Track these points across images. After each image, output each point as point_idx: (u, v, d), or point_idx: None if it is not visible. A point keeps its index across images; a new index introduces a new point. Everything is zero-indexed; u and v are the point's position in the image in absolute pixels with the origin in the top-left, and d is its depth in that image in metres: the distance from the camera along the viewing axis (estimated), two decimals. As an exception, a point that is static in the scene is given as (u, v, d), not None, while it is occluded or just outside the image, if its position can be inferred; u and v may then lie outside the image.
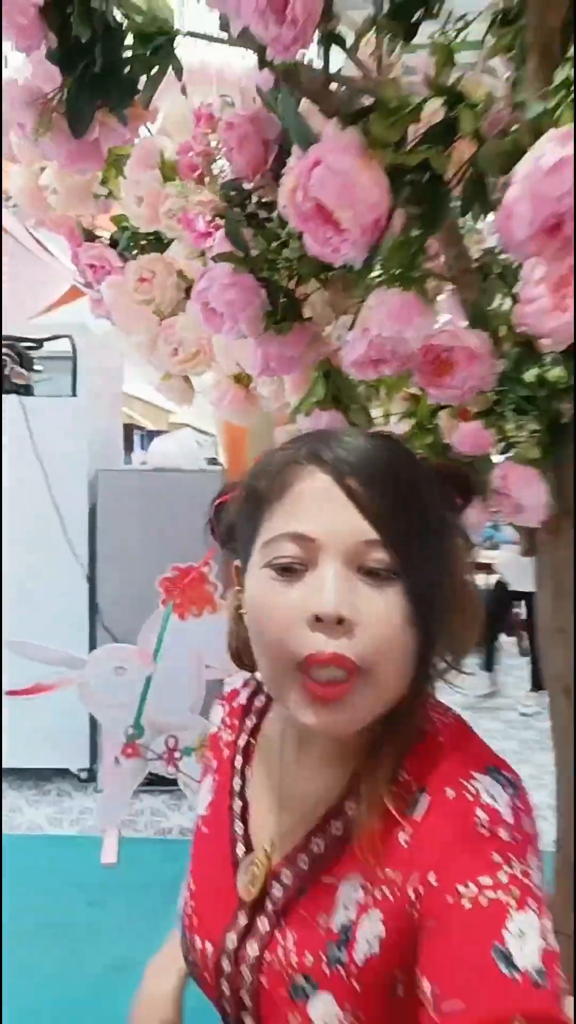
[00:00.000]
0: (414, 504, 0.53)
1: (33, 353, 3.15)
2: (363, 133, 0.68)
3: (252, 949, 0.56)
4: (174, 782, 2.63)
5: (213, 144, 1.17)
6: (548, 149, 0.59)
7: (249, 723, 0.68)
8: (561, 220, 0.61)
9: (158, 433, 6.70)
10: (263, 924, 0.57)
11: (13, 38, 0.79)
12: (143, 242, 1.39)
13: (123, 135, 0.97)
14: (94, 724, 3.19)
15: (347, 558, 0.50)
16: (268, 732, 0.66)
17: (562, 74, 0.63)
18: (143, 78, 0.93)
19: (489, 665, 4.78)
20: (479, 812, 0.49)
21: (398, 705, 0.53)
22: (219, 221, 1.06)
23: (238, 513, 0.59)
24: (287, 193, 0.71)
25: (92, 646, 3.07)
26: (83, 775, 3.25)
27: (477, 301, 0.88)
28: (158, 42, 0.91)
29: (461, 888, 0.46)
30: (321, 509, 0.51)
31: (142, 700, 2.69)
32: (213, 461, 4.26)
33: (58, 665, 2.69)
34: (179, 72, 0.95)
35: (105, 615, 3.14)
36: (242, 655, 0.62)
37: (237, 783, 0.65)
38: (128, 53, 0.91)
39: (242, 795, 0.64)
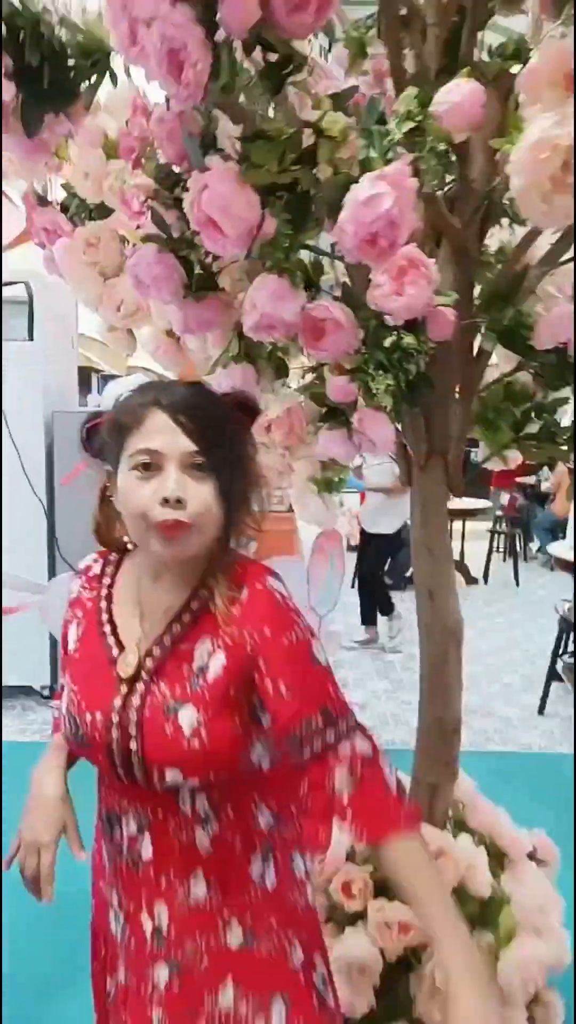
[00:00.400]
0: (217, 427, 0.84)
1: (-10, 297, 3.27)
2: (246, 157, 0.93)
3: (135, 700, 0.85)
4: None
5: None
6: (365, 186, 0.84)
7: (106, 580, 0.96)
8: (375, 236, 0.86)
9: (115, 376, 6.80)
10: (141, 686, 0.85)
11: (-23, 61, 0.99)
12: (90, 209, 1.58)
13: (67, 129, 1.18)
14: (54, 644, 3.47)
15: (180, 463, 0.81)
16: (124, 579, 0.95)
17: (370, 121, 0.88)
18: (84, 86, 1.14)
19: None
20: (277, 595, 0.88)
21: (217, 544, 0.87)
22: (151, 203, 1.28)
23: (108, 436, 0.88)
24: (188, 206, 0.94)
25: (52, 574, 3.32)
26: (45, 692, 3.54)
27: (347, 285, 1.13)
28: (95, 57, 1.13)
29: (282, 635, 0.84)
30: (163, 434, 0.82)
31: (97, 622, 2.97)
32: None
33: (22, 591, 2.94)
34: (115, 80, 1.17)
35: (63, 546, 3.38)
36: (101, 530, 0.95)
37: (104, 616, 0.92)
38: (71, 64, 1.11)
39: (110, 621, 0.91)
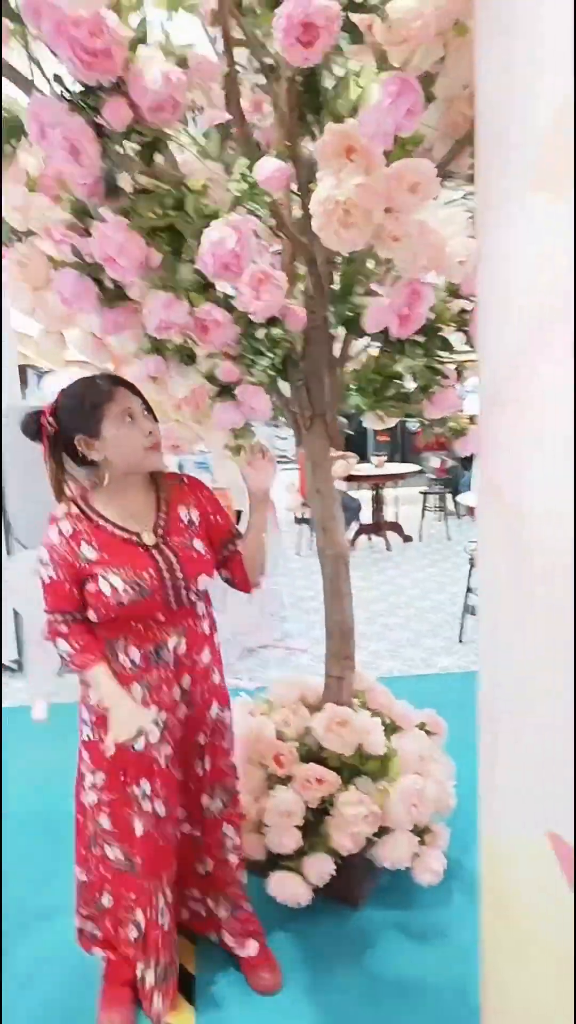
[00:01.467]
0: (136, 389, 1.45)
1: None
2: (134, 209, 1.29)
3: (168, 552, 1.45)
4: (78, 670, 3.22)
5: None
6: (215, 230, 1.22)
7: (88, 513, 1.44)
8: (227, 264, 1.24)
9: (52, 371, 7.00)
10: (163, 546, 1.45)
11: None
12: (19, 234, 1.90)
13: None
14: (18, 621, 3.79)
15: (142, 412, 1.43)
16: (100, 506, 1.45)
17: (235, 173, 1.24)
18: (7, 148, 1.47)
19: None
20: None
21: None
22: (69, 233, 1.62)
23: (85, 411, 1.40)
24: (94, 246, 1.30)
25: (7, 553, 3.62)
26: (14, 666, 3.86)
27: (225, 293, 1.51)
28: (14, 127, 1.46)
29: (211, 495, 1.60)
30: (128, 397, 1.41)
31: (57, 594, 3.30)
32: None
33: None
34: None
35: (16, 529, 3.69)
36: (57, 487, 1.48)
37: (109, 526, 1.43)
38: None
39: (114, 526, 1.44)
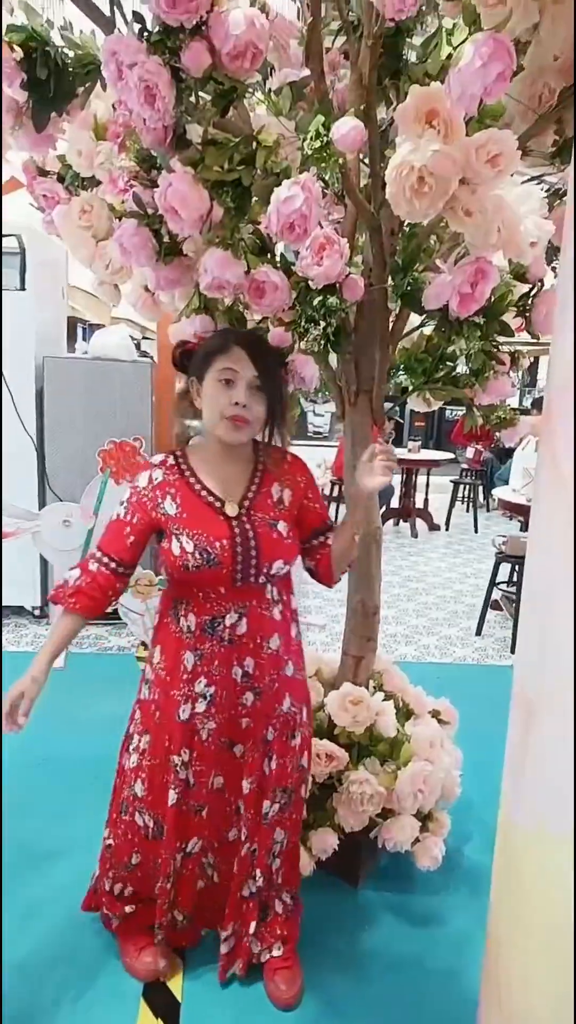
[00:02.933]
0: (272, 362, 1.40)
1: (-16, 248, 3.52)
2: (201, 160, 1.26)
3: (247, 525, 1.39)
4: (114, 613, 3.30)
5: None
6: (284, 189, 1.18)
7: (183, 467, 1.45)
8: (292, 224, 1.21)
9: (99, 326, 7.02)
10: (244, 519, 1.40)
11: (2, 78, 1.31)
12: (84, 181, 1.88)
13: (66, 122, 1.50)
14: (44, 569, 3.84)
15: (247, 383, 1.34)
16: (197, 465, 1.45)
17: (311, 131, 1.20)
18: (80, 89, 1.45)
19: None
20: (310, 468, 1.56)
21: (261, 436, 1.45)
22: (133, 183, 1.60)
23: (200, 356, 1.39)
24: (157, 196, 1.28)
25: (41, 505, 3.67)
26: (36, 612, 3.93)
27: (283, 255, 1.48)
28: (89, 67, 1.44)
29: (313, 480, 1.55)
30: (239, 361, 1.34)
31: (85, 546, 3.35)
32: (144, 354, 4.77)
33: (17, 518, 3.29)
34: (104, 85, 1.48)
35: (52, 480, 3.73)
36: (176, 419, 1.51)
37: (198, 486, 1.42)
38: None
39: (204, 488, 1.42)
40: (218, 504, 1.41)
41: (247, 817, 1.54)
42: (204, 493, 1.41)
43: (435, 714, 2.10)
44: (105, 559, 1.43)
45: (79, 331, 8.12)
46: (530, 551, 0.79)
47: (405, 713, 2.03)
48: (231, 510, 1.40)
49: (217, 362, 1.35)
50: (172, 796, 1.49)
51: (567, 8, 1.26)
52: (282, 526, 1.42)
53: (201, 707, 1.44)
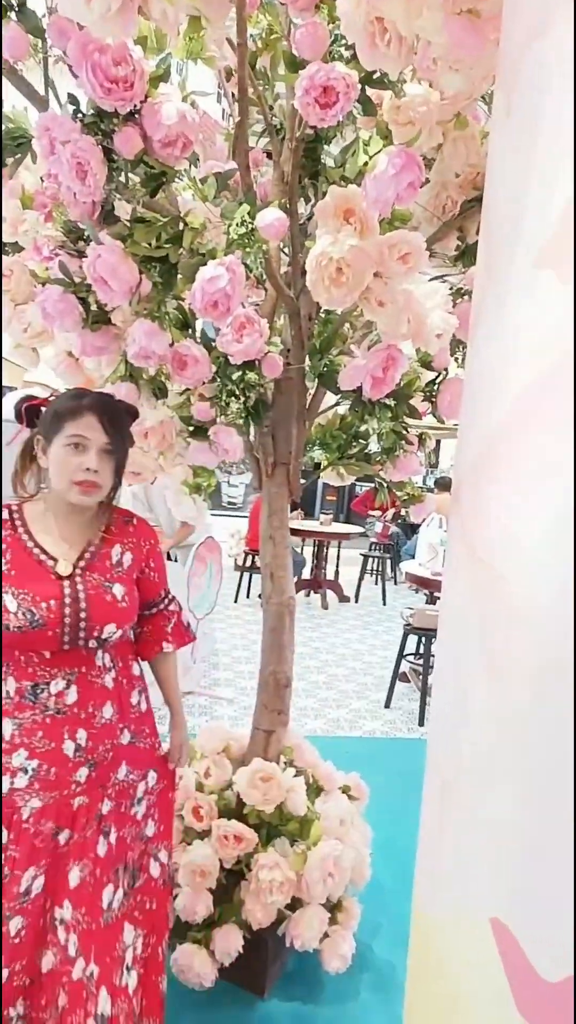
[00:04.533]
0: (121, 427, 1.35)
1: None
2: (130, 235, 1.30)
3: (79, 586, 1.30)
4: None
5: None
6: (210, 268, 1.23)
7: (18, 522, 1.35)
8: (216, 302, 1.25)
9: (11, 389, 6.87)
10: (78, 579, 1.31)
11: None
12: (6, 247, 1.89)
13: (-6, 190, 1.51)
14: None
15: (98, 448, 1.30)
16: (33, 520, 1.35)
17: (238, 217, 1.27)
18: (10, 160, 1.47)
19: None
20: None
21: (107, 497, 1.38)
22: (58, 252, 1.61)
23: (50, 416, 1.32)
24: (87, 267, 1.30)
25: None
26: None
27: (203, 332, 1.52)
28: (20, 140, 1.47)
29: (157, 546, 1.50)
30: (91, 428, 1.29)
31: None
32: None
33: None
34: (34, 158, 1.51)
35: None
36: (17, 481, 1.39)
37: (31, 543, 1.32)
38: None
39: (36, 545, 1.32)
40: (50, 563, 1.32)
41: (76, 921, 1.26)
42: (36, 551, 1.32)
43: (345, 790, 2.06)
44: None
45: (-12, 391, 7.90)
46: (441, 625, 0.82)
47: (315, 790, 1.99)
48: (64, 569, 1.31)
49: (68, 427, 1.29)
50: None
51: (466, 134, 1.42)
52: (118, 589, 1.36)
53: (22, 782, 1.27)
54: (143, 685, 1.49)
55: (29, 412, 1.40)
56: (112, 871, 1.33)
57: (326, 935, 1.82)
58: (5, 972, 1.21)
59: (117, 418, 1.34)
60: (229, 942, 1.73)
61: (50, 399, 1.39)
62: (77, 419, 1.29)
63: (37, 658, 1.29)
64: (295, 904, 1.79)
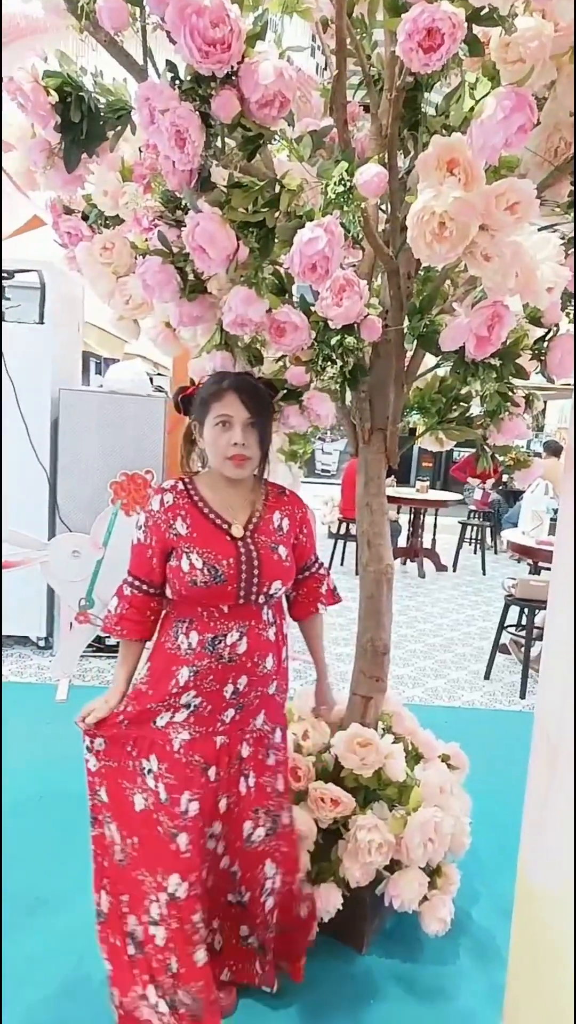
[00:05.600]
0: (262, 403, 1.49)
1: (5, 283, 3.61)
2: (228, 201, 1.29)
3: (252, 546, 1.48)
4: (117, 646, 3.25)
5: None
6: (307, 231, 1.21)
7: (192, 493, 1.52)
8: (315, 265, 1.23)
9: (113, 360, 7.14)
10: (249, 541, 1.48)
11: (36, 119, 1.35)
12: (107, 219, 1.93)
13: (95, 163, 1.54)
14: (51, 600, 3.83)
15: (243, 424, 1.45)
16: (204, 491, 1.52)
17: (336, 176, 1.23)
18: (110, 133, 1.50)
19: None
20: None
21: (259, 470, 1.57)
22: (157, 222, 1.64)
23: (197, 402, 1.51)
24: (185, 236, 1.31)
25: (52, 535, 3.67)
26: (40, 643, 3.90)
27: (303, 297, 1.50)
28: (120, 112, 1.49)
29: (308, 514, 1.65)
30: (234, 405, 1.44)
31: (93, 578, 3.35)
32: (159, 389, 4.83)
33: (26, 547, 3.30)
34: (134, 130, 1.53)
35: (63, 511, 3.74)
36: (183, 459, 1.61)
37: (206, 510, 1.50)
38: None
39: (211, 511, 1.50)
40: (225, 526, 1.49)
41: (225, 836, 1.54)
42: (212, 516, 1.50)
43: (445, 759, 2.05)
44: (136, 582, 1.53)
45: (92, 365, 8.24)
46: (552, 592, 0.78)
47: (414, 757, 1.99)
48: (237, 531, 1.48)
49: (214, 408, 1.45)
50: (139, 802, 1.46)
51: (583, 67, 1.31)
52: (282, 550, 1.52)
53: (180, 717, 1.47)
54: (287, 641, 1.63)
55: (184, 402, 1.58)
56: (251, 810, 1.54)
57: (425, 898, 1.83)
58: (185, 884, 1.43)
59: (256, 394, 1.48)
60: (328, 899, 1.77)
61: (199, 387, 1.54)
62: (221, 400, 1.44)
63: (217, 612, 1.46)
64: (394, 867, 1.81)
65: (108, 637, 3.67)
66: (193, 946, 1.43)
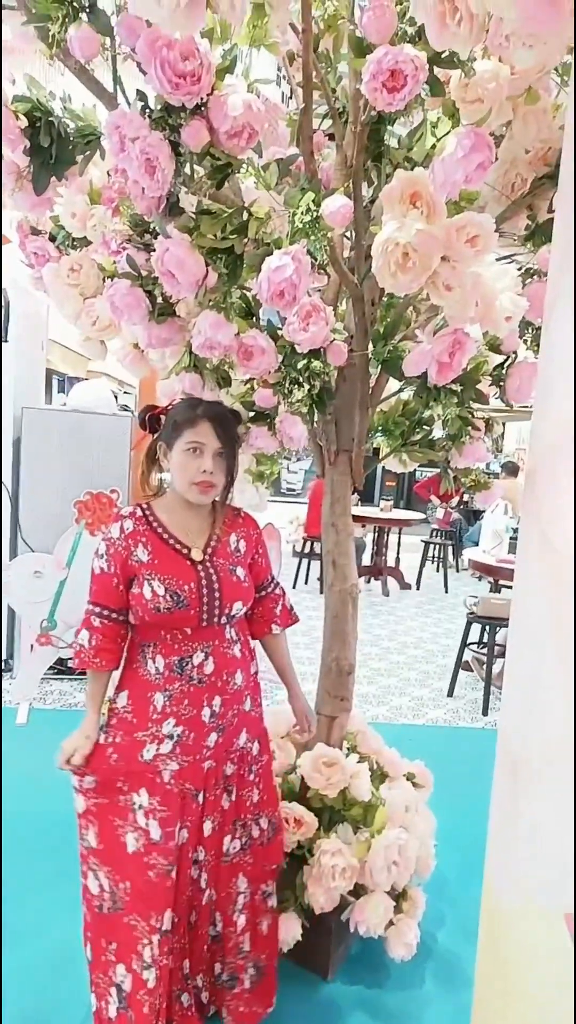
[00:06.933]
0: (232, 431, 1.51)
1: (-32, 300, 3.57)
2: (196, 228, 1.32)
3: (211, 570, 1.48)
4: (80, 670, 3.18)
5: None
6: (275, 258, 1.24)
7: (151, 519, 1.52)
8: (282, 291, 1.26)
9: (77, 378, 7.07)
10: (208, 564, 1.49)
11: (6, 143, 1.36)
12: (75, 241, 1.94)
13: (63, 186, 1.55)
14: (11, 621, 3.75)
15: (213, 453, 1.45)
16: (163, 515, 1.52)
17: (303, 206, 1.27)
18: (79, 157, 1.51)
19: None
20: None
21: (221, 496, 1.55)
22: (126, 246, 1.65)
23: (169, 425, 1.49)
24: (155, 261, 1.33)
25: (13, 555, 3.60)
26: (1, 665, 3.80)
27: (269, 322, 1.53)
28: (89, 137, 1.50)
29: (262, 535, 1.66)
30: (207, 434, 1.45)
31: (56, 599, 3.29)
32: (124, 408, 4.81)
33: (-17, 568, 3.22)
34: (103, 154, 1.54)
35: (24, 530, 3.68)
36: (144, 482, 1.57)
37: (165, 535, 1.50)
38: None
39: (171, 536, 1.50)
40: (184, 550, 1.50)
41: (207, 861, 1.53)
42: (171, 541, 1.50)
43: (410, 777, 2.06)
44: (105, 611, 1.51)
45: (55, 383, 8.17)
46: (514, 611, 0.81)
47: (379, 776, 2.00)
48: (196, 555, 1.50)
49: (186, 434, 1.45)
50: (131, 843, 1.43)
51: (537, 109, 1.37)
52: (240, 571, 1.54)
53: (166, 748, 1.46)
54: (255, 657, 1.66)
55: (151, 420, 1.58)
56: (231, 823, 1.56)
57: (391, 923, 1.83)
58: (173, 917, 1.45)
59: (227, 424, 1.50)
60: (289, 929, 1.75)
61: (168, 408, 1.55)
62: (194, 427, 1.45)
63: (180, 635, 1.47)
64: (358, 891, 1.80)
65: (70, 659, 3.60)
66: (170, 981, 1.47)
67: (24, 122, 1.38)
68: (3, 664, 3.81)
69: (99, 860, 1.46)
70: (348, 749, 1.99)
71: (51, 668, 3.50)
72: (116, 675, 1.57)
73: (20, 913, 2.01)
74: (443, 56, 1.13)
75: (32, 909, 2.01)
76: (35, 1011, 1.68)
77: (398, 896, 1.88)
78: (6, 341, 3.65)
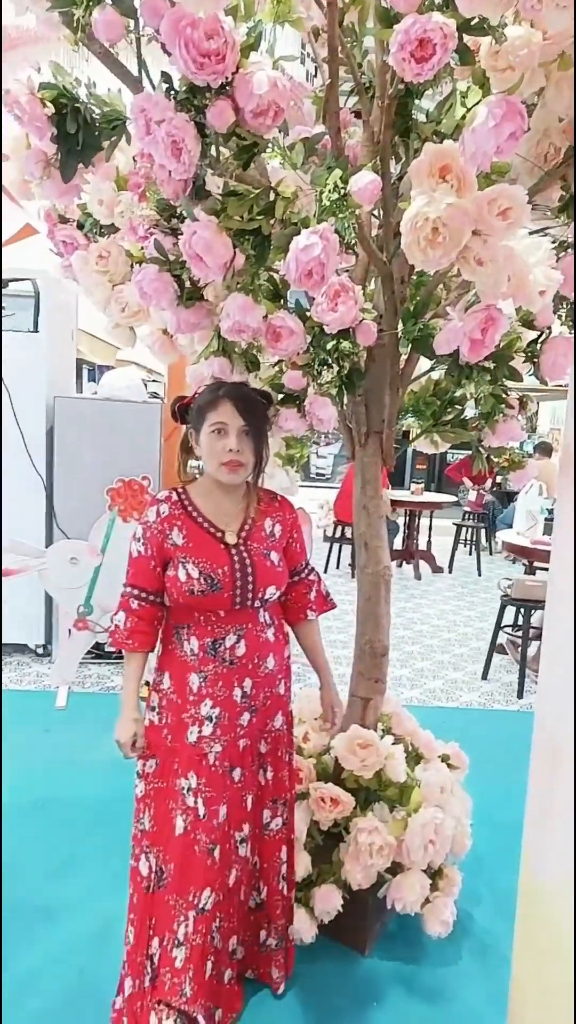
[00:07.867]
0: (257, 409, 1.51)
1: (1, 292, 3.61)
2: (223, 210, 1.31)
3: (244, 553, 1.50)
4: (116, 653, 3.23)
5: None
6: (303, 237, 1.22)
7: (186, 503, 1.54)
8: (311, 271, 1.25)
9: (106, 367, 7.14)
10: (242, 548, 1.51)
11: (33, 131, 1.37)
12: (102, 228, 1.95)
13: (91, 173, 1.56)
14: (49, 607, 3.83)
15: (237, 431, 1.47)
16: (197, 499, 1.55)
17: (330, 183, 1.25)
18: (106, 143, 1.51)
19: None
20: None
21: (252, 477, 1.55)
22: (153, 231, 1.65)
23: (194, 411, 1.53)
24: (182, 244, 1.32)
25: (48, 542, 3.67)
26: (39, 650, 3.89)
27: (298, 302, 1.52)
28: (115, 123, 1.50)
29: (298, 519, 1.68)
30: (229, 413, 1.46)
31: (92, 584, 3.35)
32: (154, 395, 4.84)
33: (24, 555, 3.29)
34: (129, 140, 1.54)
35: (59, 518, 3.74)
36: (180, 468, 1.62)
37: (200, 519, 1.52)
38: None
39: (205, 519, 1.52)
40: (219, 534, 1.52)
41: (251, 835, 1.59)
42: (205, 524, 1.52)
43: (445, 759, 2.06)
44: (141, 594, 1.54)
45: (84, 372, 8.25)
46: (551, 592, 0.80)
47: (414, 757, 2.00)
48: (230, 539, 1.52)
49: (209, 416, 1.48)
50: (179, 824, 1.48)
51: (571, 74, 1.33)
52: (274, 556, 1.55)
53: (208, 730, 1.50)
54: (289, 642, 1.68)
55: (182, 411, 1.60)
56: (270, 799, 1.62)
57: (427, 900, 1.84)
58: (213, 896, 1.48)
59: (250, 402, 1.50)
60: (329, 900, 1.78)
61: (195, 396, 1.56)
62: (216, 408, 1.47)
63: (214, 617, 1.49)
64: (395, 868, 1.81)
65: (107, 643, 3.67)
66: (206, 960, 1.48)
67: (51, 109, 1.38)
68: (42, 649, 3.90)
69: (151, 842, 1.52)
70: (383, 731, 1.99)
71: (89, 652, 3.57)
72: (153, 658, 1.59)
73: (63, 893, 2.06)
74: (473, 23, 1.10)
75: (76, 889, 2.06)
76: (77, 988, 1.73)
77: (434, 874, 1.89)
78: (36, 331, 3.69)
